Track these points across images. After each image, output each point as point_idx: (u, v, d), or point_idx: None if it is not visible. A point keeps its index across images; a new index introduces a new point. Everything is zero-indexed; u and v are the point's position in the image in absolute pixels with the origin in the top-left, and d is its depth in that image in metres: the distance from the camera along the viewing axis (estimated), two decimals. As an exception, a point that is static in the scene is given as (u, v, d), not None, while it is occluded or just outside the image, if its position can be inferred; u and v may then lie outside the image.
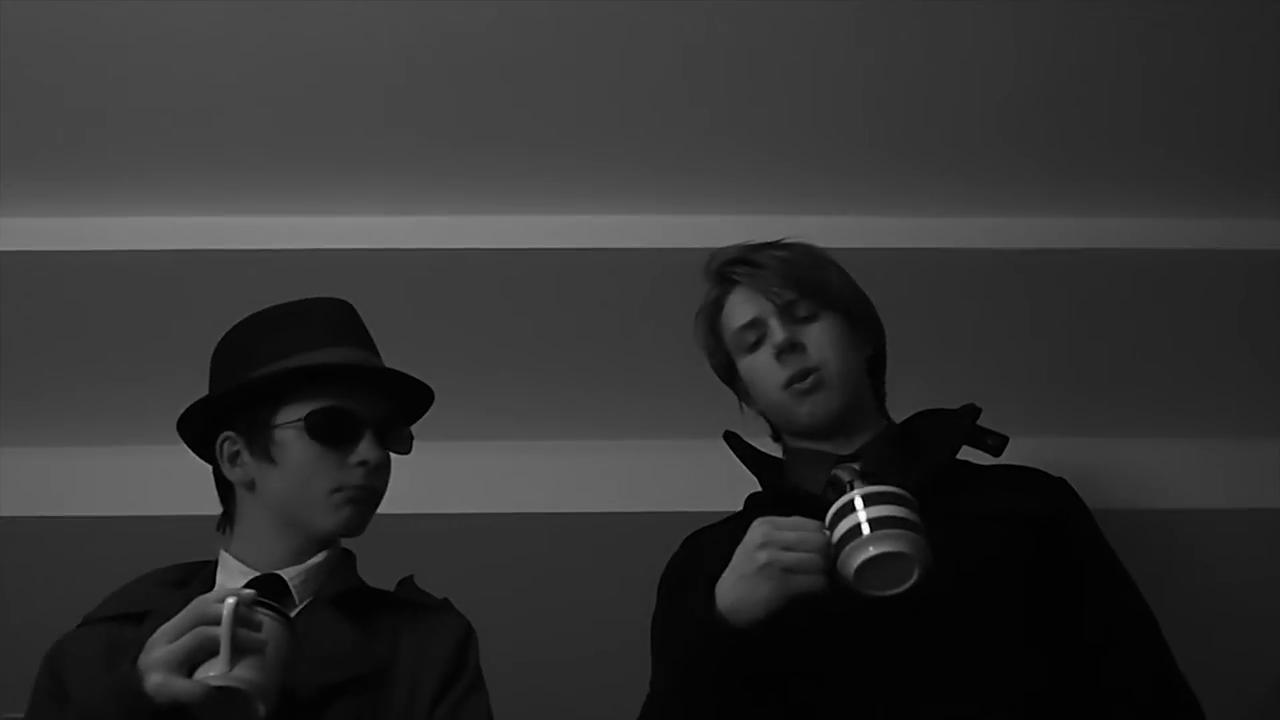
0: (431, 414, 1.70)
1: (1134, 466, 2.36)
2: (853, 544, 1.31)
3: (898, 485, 1.37)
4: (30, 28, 1.98)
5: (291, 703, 1.33)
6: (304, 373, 1.52)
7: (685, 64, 2.07)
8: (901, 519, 1.32)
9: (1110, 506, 2.18)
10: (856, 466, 1.61)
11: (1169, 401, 2.37)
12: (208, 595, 1.27)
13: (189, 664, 1.23)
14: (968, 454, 1.68)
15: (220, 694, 1.22)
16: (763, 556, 1.33)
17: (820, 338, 1.64)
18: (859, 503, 1.33)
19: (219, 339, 1.65)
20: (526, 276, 2.22)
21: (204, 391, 1.64)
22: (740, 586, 1.35)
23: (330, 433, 1.50)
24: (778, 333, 1.63)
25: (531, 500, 2.28)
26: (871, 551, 1.30)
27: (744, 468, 1.72)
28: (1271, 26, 2.05)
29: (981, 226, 2.26)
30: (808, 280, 1.66)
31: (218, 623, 1.22)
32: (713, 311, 1.74)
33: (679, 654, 1.43)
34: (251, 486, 1.54)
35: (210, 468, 1.64)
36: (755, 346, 1.66)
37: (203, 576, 1.55)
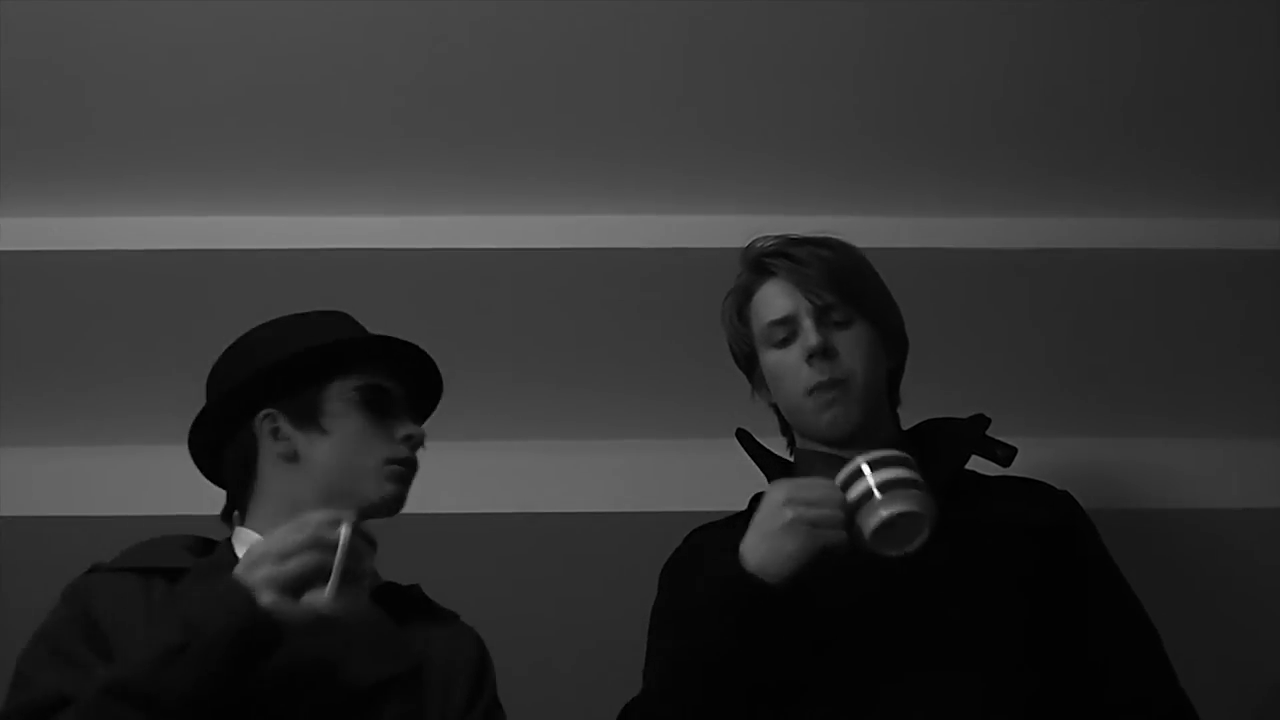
0: (431, 414, 1.71)
1: (1133, 466, 2.36)
2: (867, 505, 1.37)
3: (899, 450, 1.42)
4: (31, 28, 1.98)
5: (347, 693, 1.37)
6: (360, 344, 1.58)
7: (686, 64, 2.08)
8: (910, 480, 1.38)
9: (1110, 506, 2.18)
10: None
11: (1169, 401, 2.37)
12: (315, 518, 1.28)
13: (298, 586, 1.25)
14: (975, 464, 1.68)
15: (321, 621, 1.24)
16: (789, 513, 1.37)
17: (852, 347, 1.63)
18: (867, 468, 1.39)
19: (226, 344, 1.66)
20: (527, 276, 2.22)
21: (202, 390, 1.65)
22: (767, 543, 1.38)
23: (379, 407, 1.55)
24: (811, 335, 1.62)
25: (531, 500, 2.28)
26: (885, 514, 1.36)
27: (750, 466, 1.72)
28: (1269, 27, 2.05)
29: (981, 226, 2.26)
30: (847, 284, 1.65)
31: (332, 548, 1.24)
32: (743, 298, 1.73)
33: (700, 613, 1.44)
34: (294, 458, 1.54)
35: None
36: (785, 343, 1.65)
37: (221, 551, 1.53)
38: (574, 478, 2.30)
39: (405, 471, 1.56)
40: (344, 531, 1.25)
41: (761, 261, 1.70)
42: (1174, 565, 2.30)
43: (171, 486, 2.27)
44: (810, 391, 1.62)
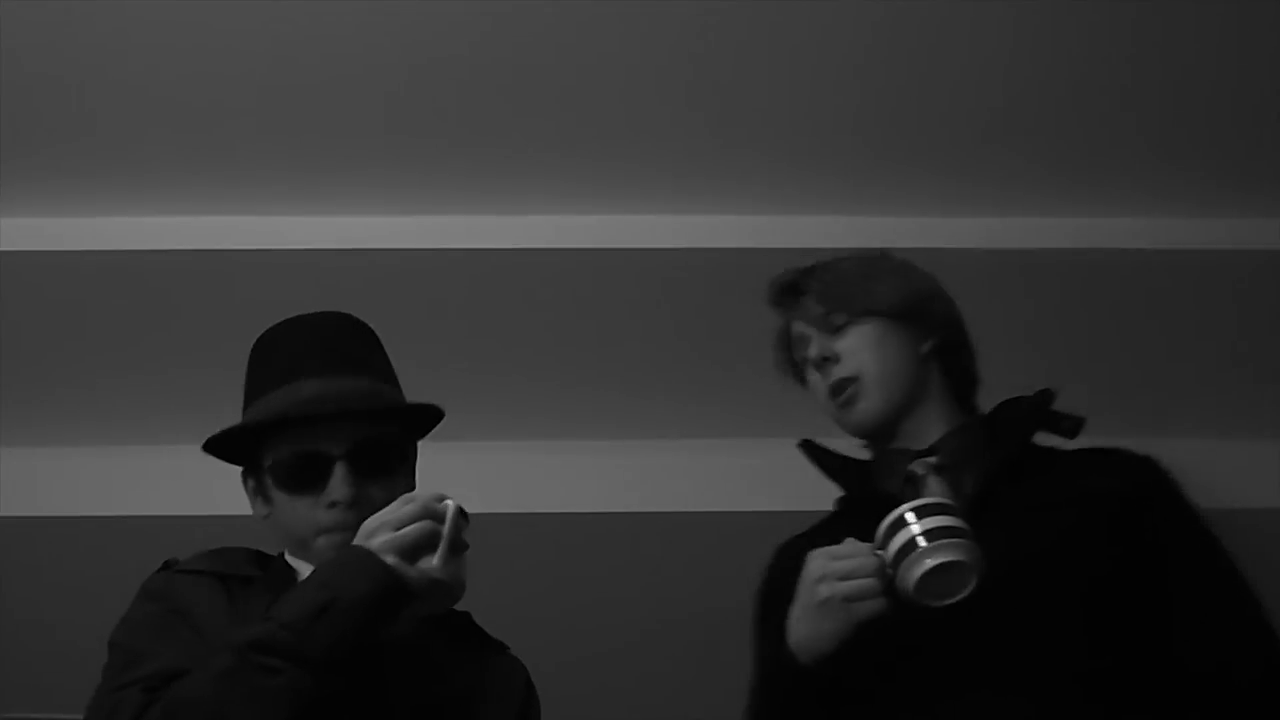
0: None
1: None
2: (910, 557, 1.33)
3: (943, 496, 1.40)
4: (31, 28, 1.98)
5: (402, 715, 1.39)
6: (254, 428, 1.50)
7: (687, 66, 2.07)
8: (954, 528, 1.34)
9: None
10: (932, 460, 1.61)
11: (1168, 401, 2.37)
12: (421, 494, 1.36)
13: (413, 553, 1.32)
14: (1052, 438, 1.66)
15: (436, 584, 1.33)
16: (823, 591, 1.35)
17: (854, 344, 1.63)
18: (910, 516, 1.35)
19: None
20: (527, 276, 2.22)
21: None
22: (805, 623, 1.38)
23: (295, 479, 1.48)
24: (813, 349, 1.65)
25: (530, 500, 2.28)
26: (929, 563, 1.32)
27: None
28: (1270, 27, 2.05)
29: (981, 226, 2.26)
30: (842, 292, 1.66)
31: (440, 520, 1.33)
32: (783, 340, 1.76)
33: (758, 681, 1.48)
34: (267, 517, 1.54)
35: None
36: (807, 365, 1.68)
37: (278, 567, 1.53)
38: (574, 478, 2.30)
39: (340, 538, 1.45)
40: (451, 505, 1.35)
41: (774, 300, 1.73)
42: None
43: (171, 486, 2.28)
44: (830, 398, 1.64)
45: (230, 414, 2.27)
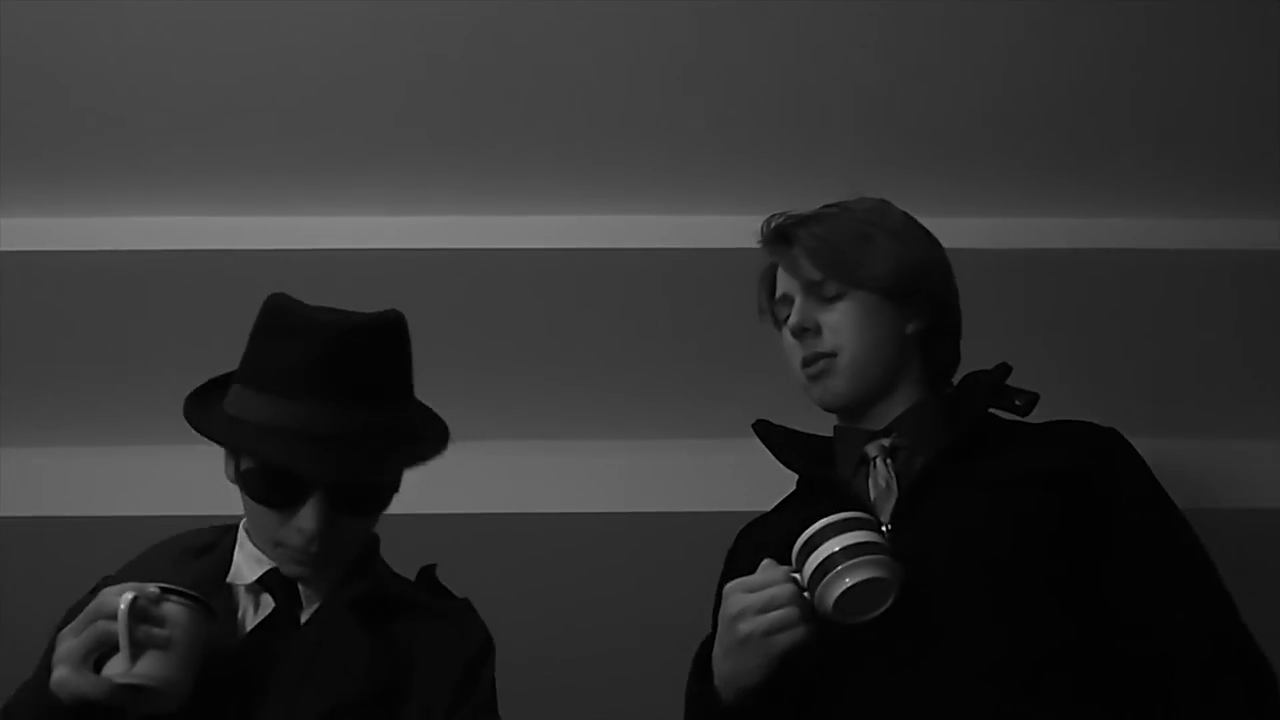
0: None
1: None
2: (828, 577, 1.31)
3: (859, 509, 1.37)
4: (32, 29, 1.98)
5: (305, 718, 1.33)
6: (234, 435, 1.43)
7: (686, 66, 2.08)
8: (870, 544, 1.32)
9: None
10: (886, 442, 1.58)
11: (1167, 401, 2.37)
12: (112, 588, 1.26)
13: (93, 658, 1.22)
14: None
15: (129, 689, 1.21)
16: (742, 629, 1.32)
17: (840, 320, 1.57)
18: (826, 533, 1.32)
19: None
20: (527, 276, 2.22)
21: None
22: (728, 661, 1.35)
23: (266, 493, 1.41)
24: (794, 314, 1.60)
25: (531, 500, 2.28)
26: (848, 582, 1.30)
27: (751, 463, 1.68)
28: (1269, 27, 2.05)
29: (981, 226, 2.26)
30: (837, 258, 1.58)
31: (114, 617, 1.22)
32: (768, 278, 1.71)
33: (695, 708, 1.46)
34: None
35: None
36: (786, 321, 1.64)
37: (224, 546, 1.49)
38: (574, 478, 2.30)
39: (297, 556, 1.41)
40: (123, 600, 1.22)
41: (765, 244, 1.68)
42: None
43: (171, 486, 2.28)
44: (801, 367, 1.61)
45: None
